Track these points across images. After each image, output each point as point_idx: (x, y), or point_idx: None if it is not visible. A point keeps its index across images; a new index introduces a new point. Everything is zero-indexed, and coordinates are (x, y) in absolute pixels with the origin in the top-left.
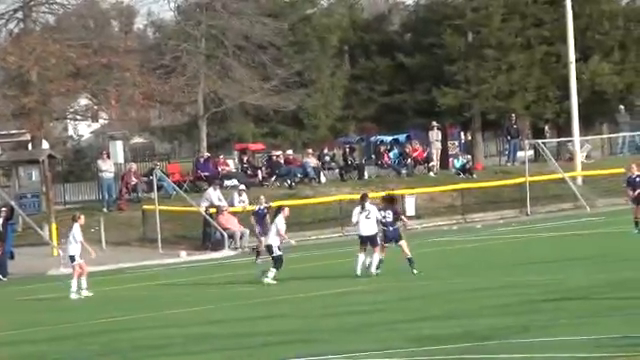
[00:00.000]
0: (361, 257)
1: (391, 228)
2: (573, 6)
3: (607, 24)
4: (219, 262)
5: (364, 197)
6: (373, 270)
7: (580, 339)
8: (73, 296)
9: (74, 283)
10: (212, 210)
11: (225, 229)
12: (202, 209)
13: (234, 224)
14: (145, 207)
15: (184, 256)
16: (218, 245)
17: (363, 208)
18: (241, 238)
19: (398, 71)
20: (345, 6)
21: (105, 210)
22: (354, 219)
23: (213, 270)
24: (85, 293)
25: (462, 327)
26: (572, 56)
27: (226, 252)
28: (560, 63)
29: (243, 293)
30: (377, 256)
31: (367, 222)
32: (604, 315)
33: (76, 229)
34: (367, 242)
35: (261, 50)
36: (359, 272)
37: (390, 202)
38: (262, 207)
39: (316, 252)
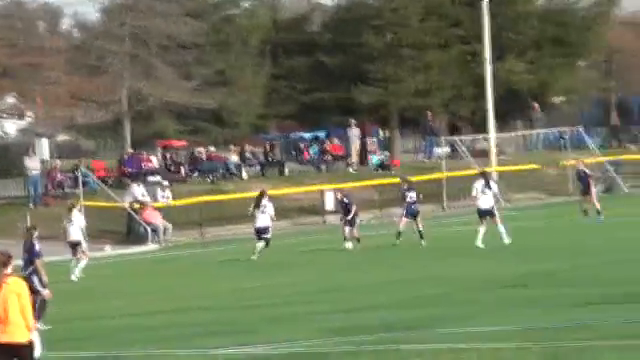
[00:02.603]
0: (482, 230)
1: (413, 206)
2: (490, 7)
3: (522, 24)
4: (142, 256)
5: (485, 175)
6: (505, 240)
7: (495, 329)
8: (74, 278)
9: (81, 265)
10: (136, 205)
11: (149, 224)
12: (126, 204)
13: (157, 219)
14: (70, 202)
15: (109, 250)
16: (142, 239)
17: (487, 185)
18: (164, 232)
19: (318, 70)
20: (267, 7)
21: (31, 205)
22: (474, 193)
23: (136, 263)
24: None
25: (380, 319)
26: (488, 55)
27: (150, 246)
28: (476, 62)
29: (167, 286)
30: (501, 226)
31: (486, 197)
32: (522, 306)
33: (76, 215)
34: (487, 215)
35: (184, 50)
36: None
37: (412, 185)
38: None
39: (234, 245)
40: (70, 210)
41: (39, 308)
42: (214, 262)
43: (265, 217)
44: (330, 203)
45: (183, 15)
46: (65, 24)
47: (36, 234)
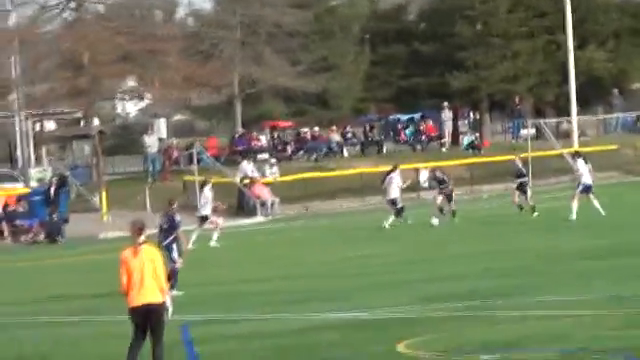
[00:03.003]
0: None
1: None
2: (572, 0)
3: (602, 16)
4: (252, 227)
5: (582, 154)
6: (603, 212)
7: (574, 299)
8: (213, 244)
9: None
10: (246, 181)
11: (258, 198)
12: (237, 180)
13: (266, 193)
14: (186, 178)
15: (221, 222)
16: (251, 212)
17: (586, 163)
18: (272, 206)
19: (414, 57)
20: None
21: (150, 181)
22: (581, 170)
23: (247, 235)
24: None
25: (468, 287)
26: (570, 44)
27: (258, 218)
28: (560, 51)
29: (274, 256)
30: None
31: (589, 174)
32: (594, 277)
33: (207, 192)
34: (589, 190)
35: (290, 37)
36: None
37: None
38: None
39: (339, 219)
40: (202, 187)
41: (172, 276)
42: (318, 234)
43: (394, 189)
44: (424, 180)
45: (289, 6)
46: (180, 13)
47: (176, 206)
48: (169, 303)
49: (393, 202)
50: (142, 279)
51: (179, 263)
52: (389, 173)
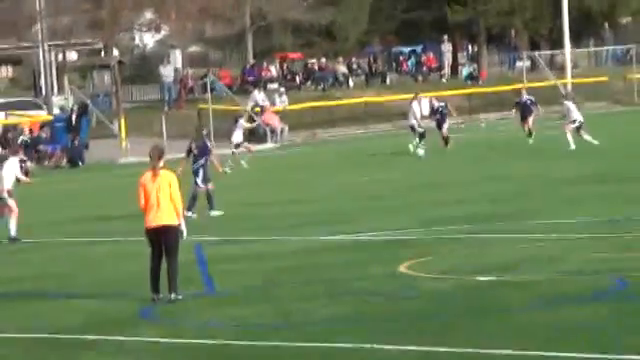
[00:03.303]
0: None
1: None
2: None
3: None
4: (262, 153)
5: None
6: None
7: (565, 222)
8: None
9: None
10: (257, 109)
11: (268, 125)
12: (248, 108)
13: (275, 121)
14: (200, 106)
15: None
16: (261, 139)
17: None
18: (281, 133)
19: None
20: None
21: (166, 109)
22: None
23: (257, 160)
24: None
25: (464, 211)
26: None
27: (268, 145)
28: None
29: (286, 178)
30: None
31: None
32: (588, 201)
33: (242, 122)
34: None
35: None
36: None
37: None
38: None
39: (344, 146)
40: (236, 120)
41: (209, 198)
42: (324, 159)
43: (412, 116)
44: (425, 109)
45: None
46: None
47: (205, 132)
48: (183, 226)
49: (412, 128)
50: (158, 202)
51: (203, 187)
52: (411, 101)
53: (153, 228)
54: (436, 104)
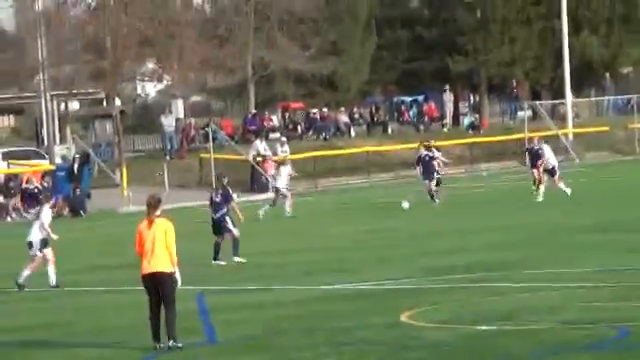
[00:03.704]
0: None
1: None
2: None
3: (596, 3)
4: (265, 203)
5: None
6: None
7: (571, 271)
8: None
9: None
10: (258, 158)
11: (270, 175)
12: (250, 158)
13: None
14: (202, 155)
15: (236, 197)
16: (264, 188)
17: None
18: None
19: (417, 42)
20: None
21: (168, 158)
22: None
23: (259, 209)
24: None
25: (465, 260)
26: (565, 30)
27: (271, 194)
28: (555, 36)
29: (288, 228)
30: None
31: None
32: (587, 250)
33: (283, 170)
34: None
35: (301, 23)
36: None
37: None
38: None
39: (346, 195)
40: (278, 167)
41: (234, 245)
42: (326, 209)
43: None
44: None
45: None
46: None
47: (226, 180)
48: (178, 274)
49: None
50: (153, 249)
51: (236, 231)
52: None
53: (148, 275)
54: (423, 153)
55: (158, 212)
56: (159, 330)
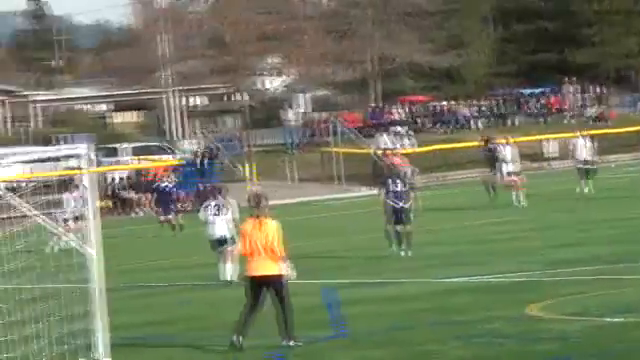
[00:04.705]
0: None
1: None
2: None
3: None
4: None
5: None
6: None
7: None
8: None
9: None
10: (380, 152)
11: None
12: (373, 151)
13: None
14: (324, 149)
15: (362, 191)
16: None
17: None
18: (412, 174)
19: (539, 34)
20: None
21: (290, 152)
22: None
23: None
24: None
25: (590, 252)
26: None
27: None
28: None
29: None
30: None
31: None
32: None
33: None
34: None
35: (423, 16)
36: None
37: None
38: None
39: (470, 188)
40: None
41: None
42: (450, 202)
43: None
44: (554, 149)
45: None
46: None
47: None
48: (288, 269)
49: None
50: (262, 250)
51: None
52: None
53: (256, 277)
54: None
55: (263, 211)
56: (246, 329)
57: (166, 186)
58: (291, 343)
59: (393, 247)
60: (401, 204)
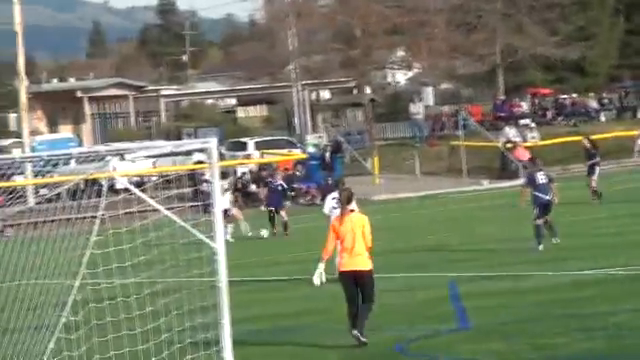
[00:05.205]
0: None
1: None
2: None
3: None
4: (514, 189)
5: None
6: None
7: None
8: None
9: None
10: (508, 145)
11: (519, 161)
12: (500, 144)
13: (527, 157)
14: (451, 143)
15: (486, 184)
16: (513, 174)
17: None
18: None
19: None
20: None
21: (417, 145)
22: None
23: (509, 196)
24: None
25: None
26: None
27: (520, 181)
28: None
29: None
30: None
31: None
32: None
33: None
34: None
35: (549, 9)
36: None
37: None
38: None
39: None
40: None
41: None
42: (576, 195)
43: None
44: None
45: None
46: None
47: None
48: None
49: None
50: (353, 245)
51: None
52: None
53: (348, 272)
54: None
55: (352, 207)
56: (356, 321)
57: (279, 184)
58: (354, 332)
59: (541, 247)
60: (547, 197)
